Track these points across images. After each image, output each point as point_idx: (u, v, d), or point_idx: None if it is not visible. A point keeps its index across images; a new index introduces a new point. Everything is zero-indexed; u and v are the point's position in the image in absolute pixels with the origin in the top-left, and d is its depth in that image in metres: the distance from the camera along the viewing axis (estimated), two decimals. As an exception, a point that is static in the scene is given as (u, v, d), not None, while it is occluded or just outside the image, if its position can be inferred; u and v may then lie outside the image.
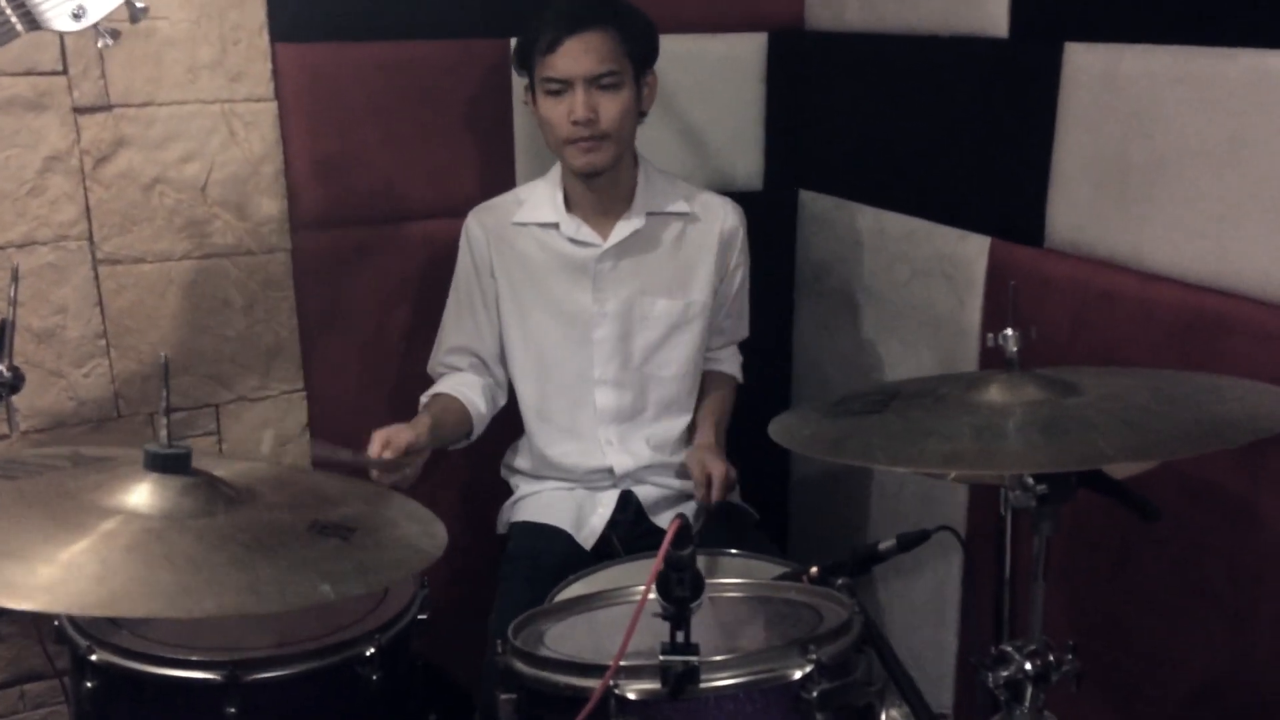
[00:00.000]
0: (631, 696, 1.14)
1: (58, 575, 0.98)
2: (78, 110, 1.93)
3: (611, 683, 1.13)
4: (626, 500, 2.03)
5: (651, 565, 1.12)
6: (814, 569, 1.49)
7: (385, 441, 1.75)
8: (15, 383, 1.55)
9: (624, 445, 2.04)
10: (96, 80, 1.93)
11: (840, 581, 1.44)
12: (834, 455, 1.20)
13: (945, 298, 2.11)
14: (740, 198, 2.18)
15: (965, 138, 2.03)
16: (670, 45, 2.13)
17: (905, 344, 2.25)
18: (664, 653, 1.12)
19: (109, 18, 1.48)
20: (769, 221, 2.44)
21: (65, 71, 1.91)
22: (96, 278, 2.02)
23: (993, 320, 1.91)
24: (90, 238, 2.00)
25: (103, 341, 2.05)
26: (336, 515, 1.18)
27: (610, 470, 2.03)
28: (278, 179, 2.10)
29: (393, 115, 2.16)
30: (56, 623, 1.53)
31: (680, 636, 1.12)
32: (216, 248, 2.09)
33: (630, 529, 2.01)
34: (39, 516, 1.09)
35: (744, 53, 2.39)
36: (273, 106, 2.07)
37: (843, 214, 2.38)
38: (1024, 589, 1.30)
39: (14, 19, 1.43)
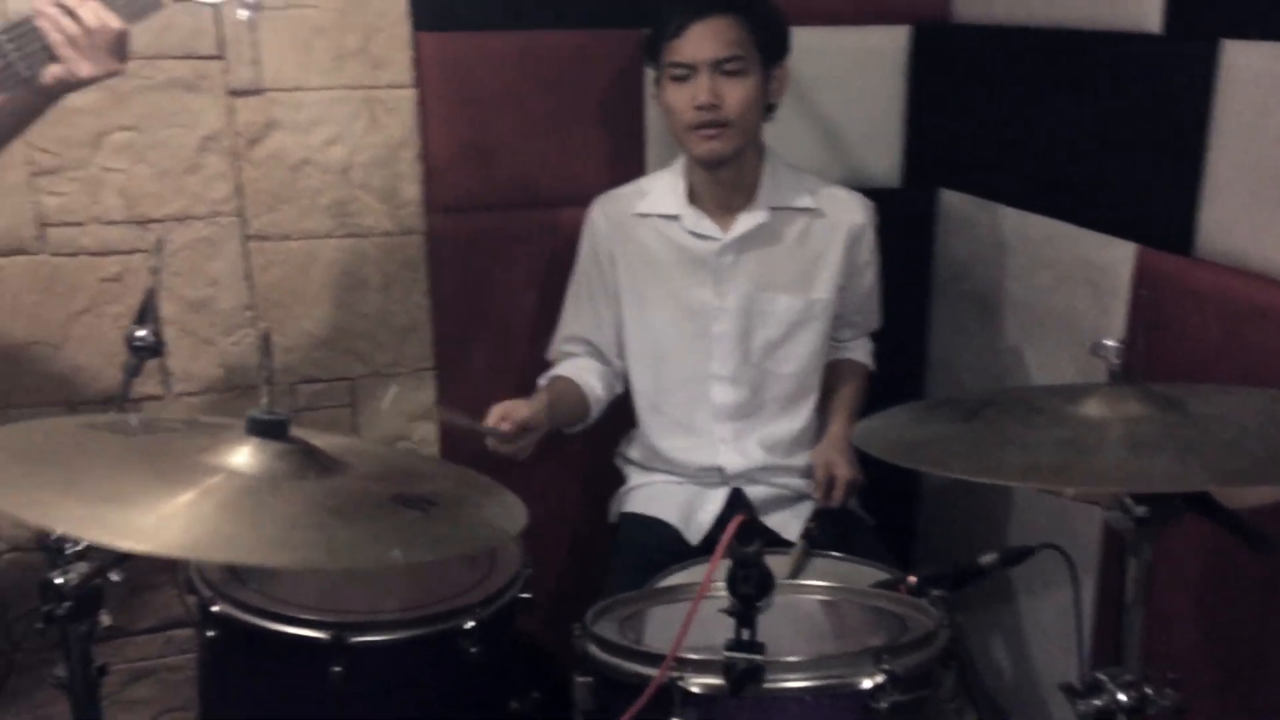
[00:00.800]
0: (694, 690, 1.13)
1: (159, 522, 1.05)
2: (233, 93, 2.05)
3: (676, 675, 1.13)
4: (737, 498, 2.01)
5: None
6: (911, 578, 1.45)
7: (503, 414, 1.79)
8: (157, 346, 1.66)
9: (737, 444, 2.02)
10: (251, 65, 2.04)
11: (936, 593, 1.40)
12: (909, 461, 1.16)
13: (1087, 305, 2.00)
14: (877, 195, 2.12)
15: (1114, 138, 1.92)
16: (808, 38, 2.10)
17: (1043, 351, 2.14)
18: (728, 649, 1.10)
19: None
20: (906, 220, 2.37)
21: (222, 56, 2.03)
22: (246, 253, 2.14)
23: (1138, 330, 1.80)
24: (241, 214, 2.12)
25: (250, 313, 2.16)
26: (421, 490, 1.21)
27: (721, 469, 2.01)
28: (416, 164, 2.17)
29: (527, 103, 2.20)
30: (190, 575, 1.64)
31: (746, 634, 1.10)
32: (357, 228, 2.18)
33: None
34: (153, 470, 1.16)
35: (886, 45, 2.33)
36: (413, 93, 2.14)
37: (983, 214, 2.29)
38: (1146, 614, 1.22)
39: None
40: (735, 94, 1.87)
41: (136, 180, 2.03)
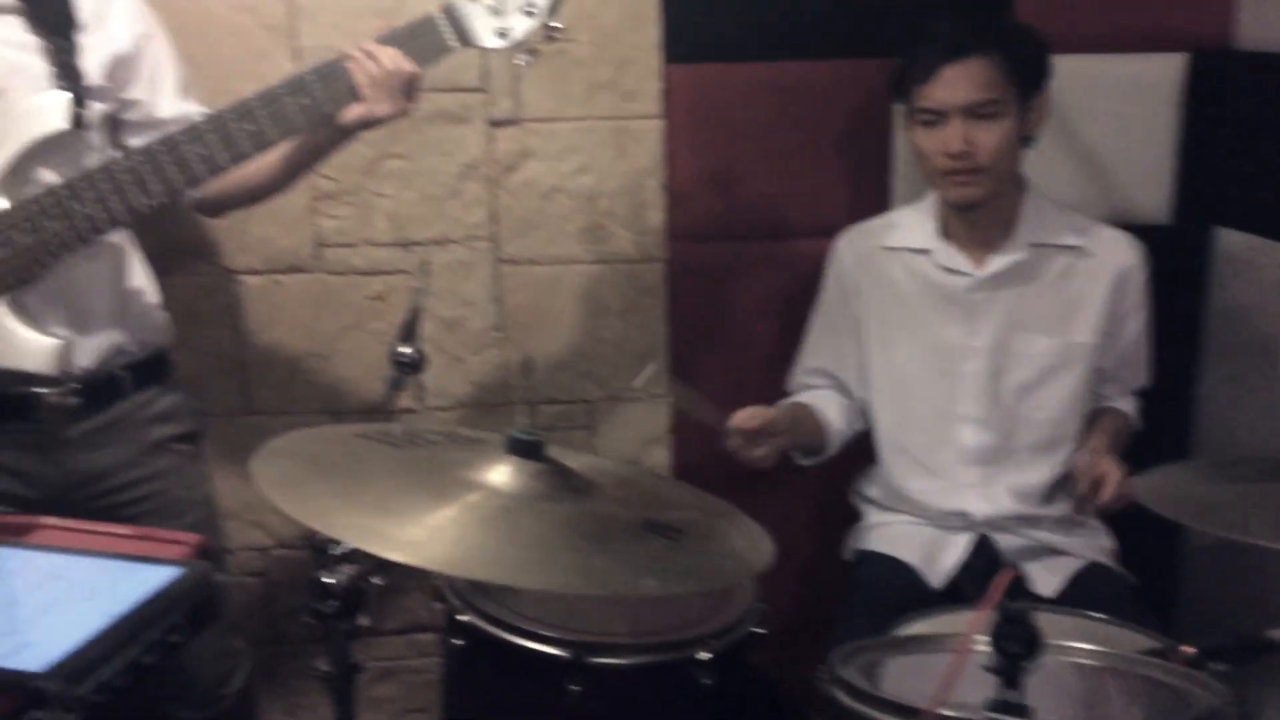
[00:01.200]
0: (951, 749, 1.07)
1: (423, 535, 1.09)
2: (492, 124, 2.14)
3: (930, 731, 1.07)
4: (983, 545, 1.92)
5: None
6: (1188, 649, 1.33)
7: (748, 414, 1.78)
8: (418, 364, 1.74)
9: (985, 490, 1.92)
10: (510, 97, 2.13)
11: (1218, 668, 1.28)
12: (1200, 523, 1.06)
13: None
14: (1143, 232, 1.99)
15: None
16: (1074, 65, 2.00)
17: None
18: (990, 709, 1.04)
19: (528, 37, 1.64)
20: (1176, 259, 2.20)
21: (485, 89, 2.12)
22: (498, 276, 2.22)
23: None
24: (495, 239, 2.20)
25: (498, 333, 2.25)
26: (669, 517, 1.21)
27: (967, 515, 1.92)
28: (660, 192, 2.20)
29: (773, 134, 2.20)
30: (437, 583, 1.71)
31: (1011, 695, 1.03)
32: (601, 254, 2.23)
33: (986, 575, 1.87)
34: (418, 483, 1.21)
35: (1159, 74, 2.18)
36: (660, 124, 2.17)
37: (1265, 255, 2.11)
38: None
39: (450, 35, 1.62)
40: (989, 139, 1.79)
41: (403, 205, 2.15)
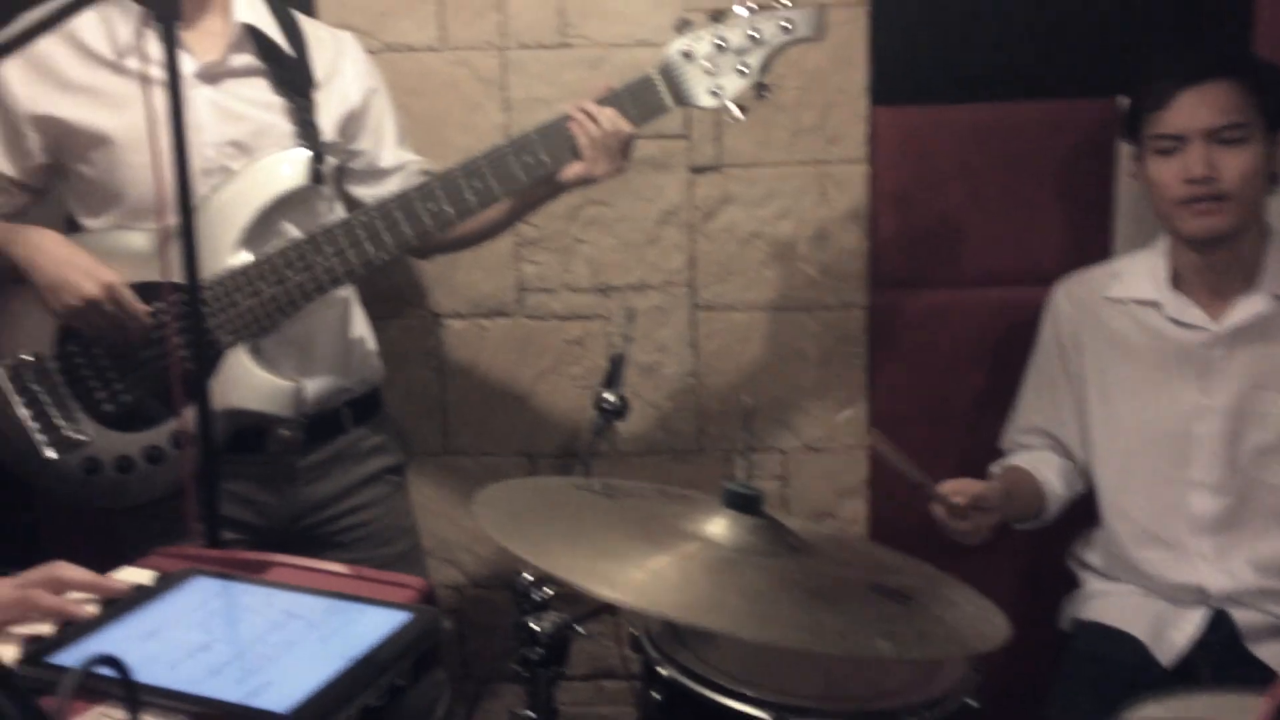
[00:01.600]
0: None
1: (646, 579, 1.07)
2: (694, 170, 2.14)
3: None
4: (1220, 621, 1.76)
5: (1255, 706, 0.95)
6: None
7: (956, 487, 1.70)
8: (622, 410, 1.74)
9: (1221, 561, 1.77)
10: (713, 143, 2.12)
11: None
12: None
13: None
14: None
15: None
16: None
17: None
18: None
19: (739, 95, 1.64)
20: None
21: (687, 136, 2.12)
22: (694, 321, 2.21)
23: None
24: (692, 285, 2.19)
25: (693, 380, 2.23)
26: (896, 582, 1.15)
27: (1202, 589, 1.76)
28: (862, 238, 2.15)
29: (983, 178, 2.11)
30: (634, 631, 1.69)
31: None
32: (799, 301, 2.19)
33: (1223, 654, 1.73)
34: (635, 531, 1.20)
35: None
36: (864, 168, 2.12)
37: None
38: None
39: (666, 95, 1.64)
40: (1234, 164, 1.67)
41: (603, 251, 2.17)
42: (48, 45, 1.56)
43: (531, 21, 2.08)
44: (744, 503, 1.22)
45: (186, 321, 1.49)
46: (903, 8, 2.06)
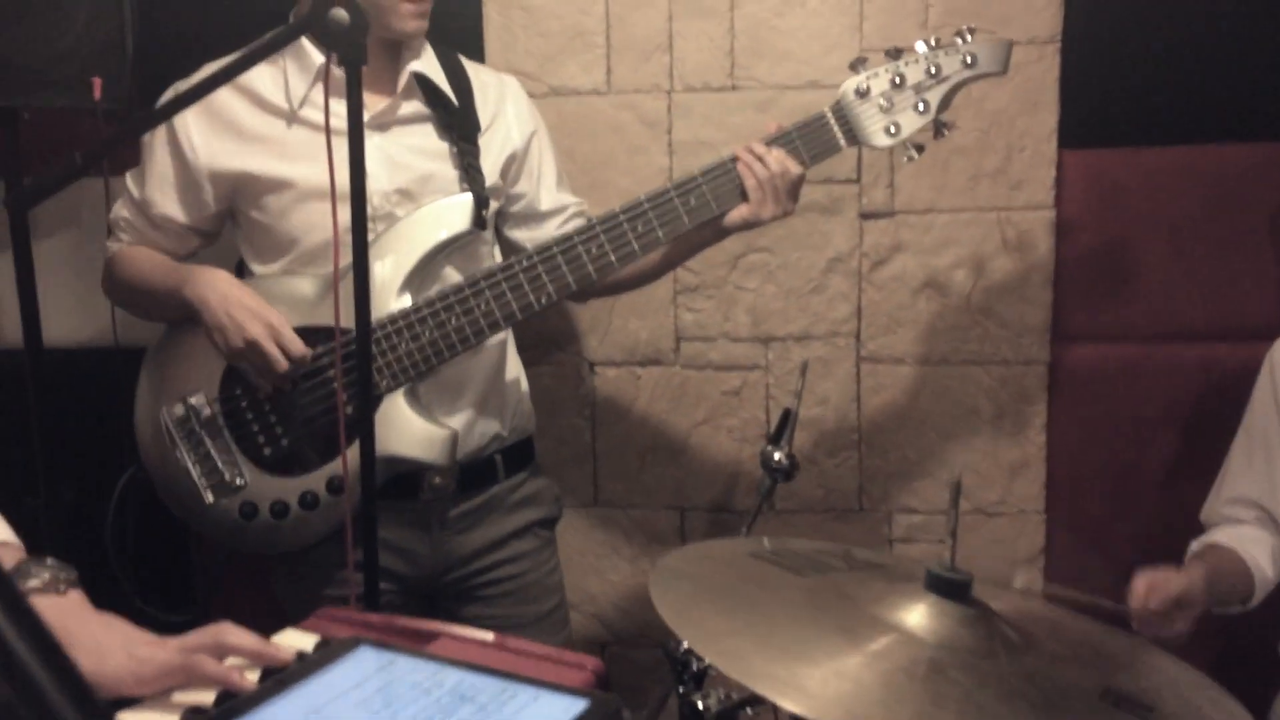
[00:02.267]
0: None
1: (844, 690, 0.96)
2: (863, 216, 2.03)
3: None
4: None
5: None
6: None
7: (1150, 586, 1.53)
8: (790, 470, 1.64)
9: None
10: (885, 188, 2.01)
11: None
12: None
13: None
14: None
15: None
16: None
17: None
18: None
19: (916, 133, 1.54)
20: None
21: (858, 180, 2.02)
22: (858, 374, 2.09)
23: None
24: (858, 335, 2.08)
25: (855, 435, 2.11)
26: (1131, 685, 1.01)
27: None
28: (1045, 289, 2.00)
29: (1180, 225, 1.95)
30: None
31: None
32: (973, 354, 2.05)
33: None
34: (823, 618, 1.09)
35: None
36: (1050, 214, 1.98)
37: None
38: None
39: (839, 134, 1.54)
40: None
41: (764, 299, 2.08)
42: (225, 98, 1.58)
43: (699, 64, 2.01)
44: (951, 589, 1.10)
45: (350, 366, 1.48)
46: (1095, 45, 1.92)
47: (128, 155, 2.13)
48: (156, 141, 1.63)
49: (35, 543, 1.89)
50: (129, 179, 1.69)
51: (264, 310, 1.53)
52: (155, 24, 1.96)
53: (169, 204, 1.65)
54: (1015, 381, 2.05)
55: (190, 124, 1.60)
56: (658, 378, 2.15)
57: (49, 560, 1.11)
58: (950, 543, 1.14)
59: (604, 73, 2.02)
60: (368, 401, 1.23)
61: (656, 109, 2.03)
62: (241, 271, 1.70)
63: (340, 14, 1.11)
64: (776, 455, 1.62)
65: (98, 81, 1.76)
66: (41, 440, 1.84)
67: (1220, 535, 1.76)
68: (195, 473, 1.61)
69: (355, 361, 1.48)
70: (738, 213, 1.57)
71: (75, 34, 1.75)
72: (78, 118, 1.82)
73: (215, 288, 1.55)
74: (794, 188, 1.57)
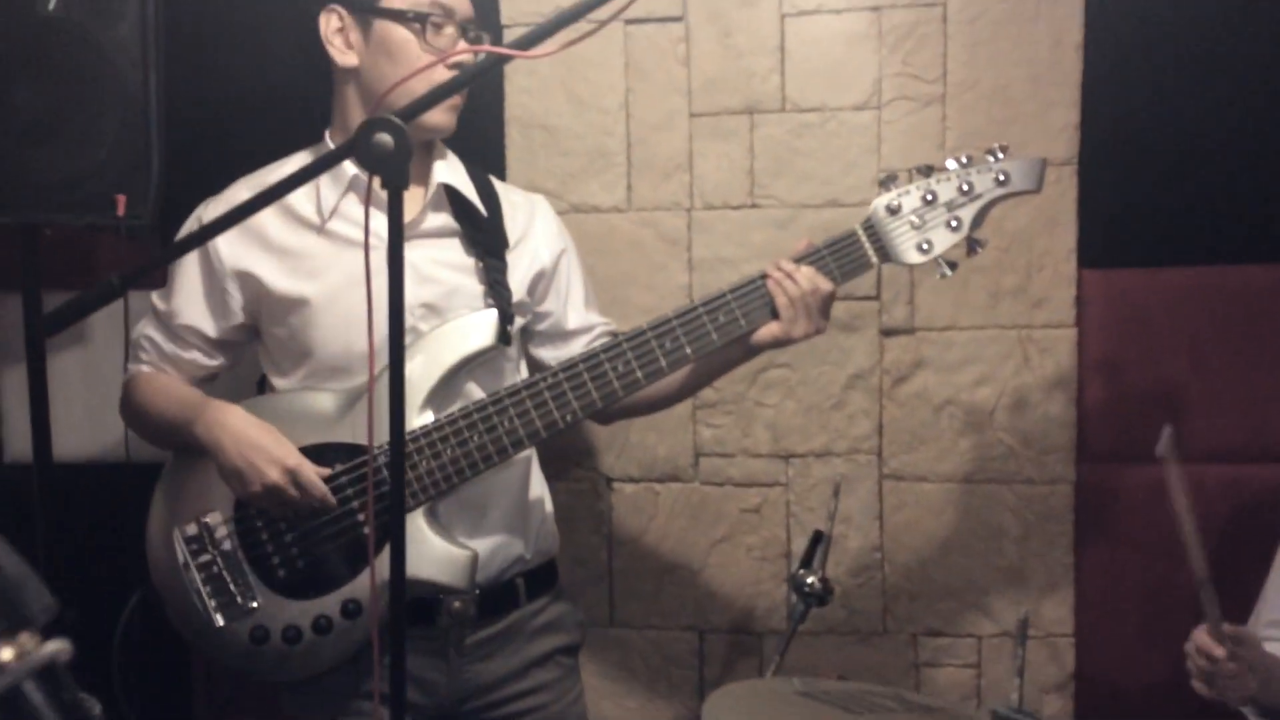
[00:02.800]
0: None
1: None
2: (884, 332, 2.02)
3: None
4: None
5: None
6: None
7: (1237, 635, 1.49)
8: (824, 594, 1.60)
9: None
10: (905, 305, 2.01)
11: None
12: None
13: None
14: None
15: None
16: None
17: None
18: None
19: (949, 251, 1.54)
20: None
21: (878, 297, 2.02)
22: (880, 492, 2.06)
23: None
24: (879, 453, 2.05)
25: (878, 554, 2.07)
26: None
27: None
28: (1069, 407, 1.99)
29: (1203, 345, 1.95)
30: None
31: None
32: (997, 473, 2.02)
33: None
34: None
35: None
36: (1072, 333, 1.98)
37: None
38: None
39: (870, 251, 1.54)
40: None
41: (784, 415, 2.06)
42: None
43: (719, 182, 2.03)
44: (1012, 732, 1.06)
45: (370, 486, 1.46)
46: (1114, 166, 1.94)
47: (128, 268, 2.13)
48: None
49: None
50: (155, 296, 1.67)
51: (281, 451, 1.50)
52: (181, 139, 1.97)
53: (195, 313, 1.63)
54: (1041, 501, 2.02)
55: (227, 235, 1.57)
56: (676, 494, 2.11)
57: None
58: (1018, 682, 1.10)
59: (624, 190, 2.03)
60: (400, 525, 1.19)
61: (676, 226, 2.04)
62: (263, 385, 1.67)
63: (385, 139, 1.10)
64: (810, 579, 1.58)
65: (121, 199, 1.76)
66: (47, 559, 1.80)
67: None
68: (205, 592, 1.56)
69: (377, 479, 1.47)
70: (768, 330, 1.54)
71: (102, 153, 1.75)
72: (99, 233, 1.81)
73: (228, 428, 1.52)
74: (825, 305, 1.56)
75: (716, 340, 1.55)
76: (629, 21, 2.01)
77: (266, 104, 2.08)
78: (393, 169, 1.11)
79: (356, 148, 1.11)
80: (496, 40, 1.65)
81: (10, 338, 1.94)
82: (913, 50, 1.97)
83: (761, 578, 2.10)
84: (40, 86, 1.70)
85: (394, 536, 1.18)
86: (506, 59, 1.13)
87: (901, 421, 2.04)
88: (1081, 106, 1.94)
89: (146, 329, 1.68)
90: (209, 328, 1.64)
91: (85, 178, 1.75)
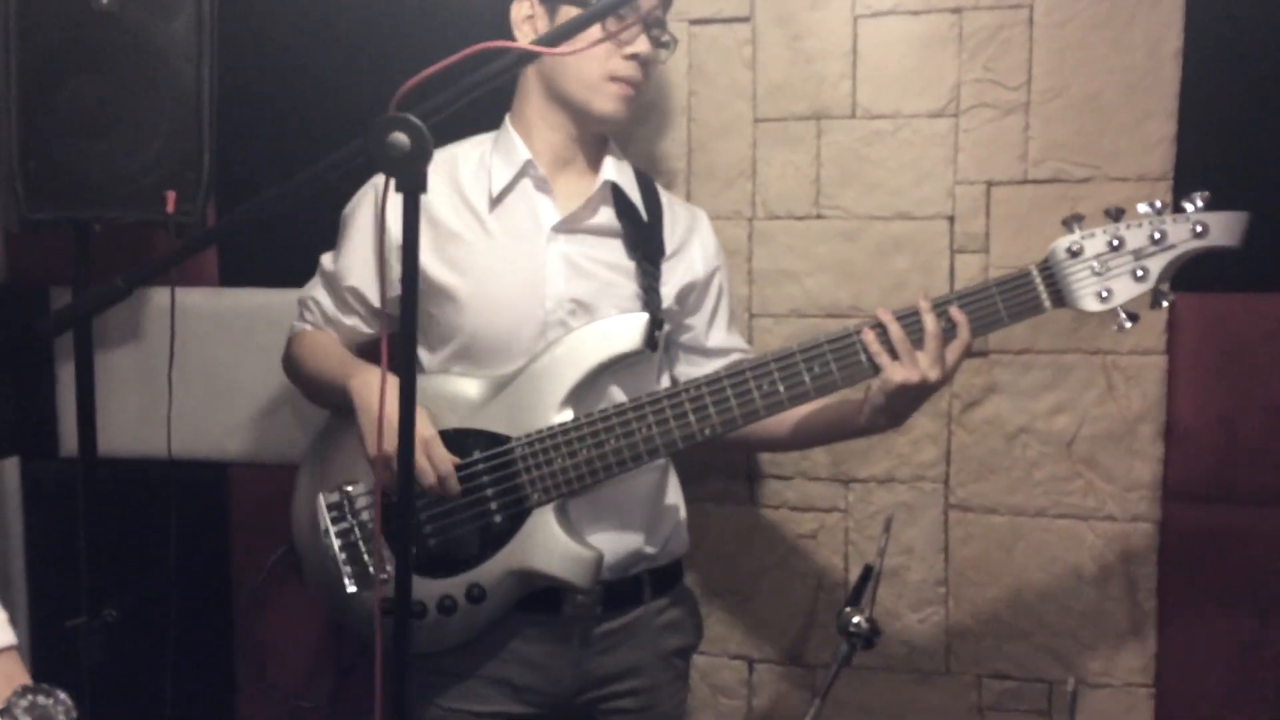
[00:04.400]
0: None
1: None
2: (956, 354, 1.90)
3: None
4: None
5: None
6: None
7: None
8: (871, 635, 1.49)
9: None
10: (979, 326, 1.89)
11: None
12: None
13: None
14: None
15: None
16: None
17: None
18: None
19: (1131, 301, 1.43)
20: None
21: (951, 316, 1.90)
22: (946, 522, 1.94)
23: None
24: (946, 481, 1.93)
25: (942, 589, 1.95)
26: None
27: None
28: (1155, 441, 1.84)
29: (1309, 378, 1.78)
30: None
31: None
32: (1075, 509, 1.89)
33: None
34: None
35: None
36: (1161, 361, 1.83)
37: None
38: None
39: (1044, 295, 1.44)
40: None
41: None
42: (434, 184, 1.57)
43: (783, 191, 1.94)
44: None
45: (502, 476, 1.51)
46: (1212, 182, 1.77)
47: (190, 268, 2.13)
48: (359, 216, 1.63)
49: (74, 663, 1.83)
50: (324, 257, 1.68)
51: (421, 423, 1.50)
52: (232, 134, 1.96)
53: (361, 278, 1.63)
54: (1122, 540, 1.87)
55: (394, 202, 1.58)
56: (729, 516, 2.02)
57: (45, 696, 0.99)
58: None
59: (683, 198, 1.95)
60: (407, 525, 1.13)
61: (737, 236, 1.95)
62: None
63: (400, 139, 1.04)
64: (856, 619, 1.47)
65: (171, 195, 1.75)
66: (88, 560, 1.79)
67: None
68: (340, 559, 1.57)
69: (506, 473, 1.51)
70: (893, 373, 1.45)
71: (154, 149, 1.74)
72: (150, 229, 1.81)
73: (374, 388, 1.51)
74: (962, 350, 1.47)
75: (867, 366, 1.47)
76: (693, 22, 1.93)
77: (318, 100, 2.05)
78: (409, 171, 1.05)
79: (371, 147, 1.06)
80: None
81: (66, 335, 1.94)
82: (995, 55, 1.85)
83: (817, 608, 2.00)
84: (93, 82, 1.70)
85: (401, 535, 1.13)
86: (533, 56, 1.07)
87: (971, 449, 1.92)
88: (1179, 118, 1.80)
89: (313, 290, 1.70)
90: (372, 294, 1.64)
91: (137, 174, 1.74)
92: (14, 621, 1.05)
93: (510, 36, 1.57)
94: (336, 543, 1.58)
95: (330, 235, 1.68)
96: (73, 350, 1.84)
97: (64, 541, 1.86)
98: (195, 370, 2.10)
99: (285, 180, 1.14)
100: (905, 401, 1.49)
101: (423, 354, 1.64)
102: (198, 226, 1.80)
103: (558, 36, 1.10)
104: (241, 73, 2.03)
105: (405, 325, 1.11)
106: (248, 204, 1.15)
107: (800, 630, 2.01)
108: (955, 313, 1.46)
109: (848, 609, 1.51)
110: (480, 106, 1.66)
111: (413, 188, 1.06)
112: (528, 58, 1.07)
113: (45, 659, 2.20)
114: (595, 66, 1.53)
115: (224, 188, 1.90)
